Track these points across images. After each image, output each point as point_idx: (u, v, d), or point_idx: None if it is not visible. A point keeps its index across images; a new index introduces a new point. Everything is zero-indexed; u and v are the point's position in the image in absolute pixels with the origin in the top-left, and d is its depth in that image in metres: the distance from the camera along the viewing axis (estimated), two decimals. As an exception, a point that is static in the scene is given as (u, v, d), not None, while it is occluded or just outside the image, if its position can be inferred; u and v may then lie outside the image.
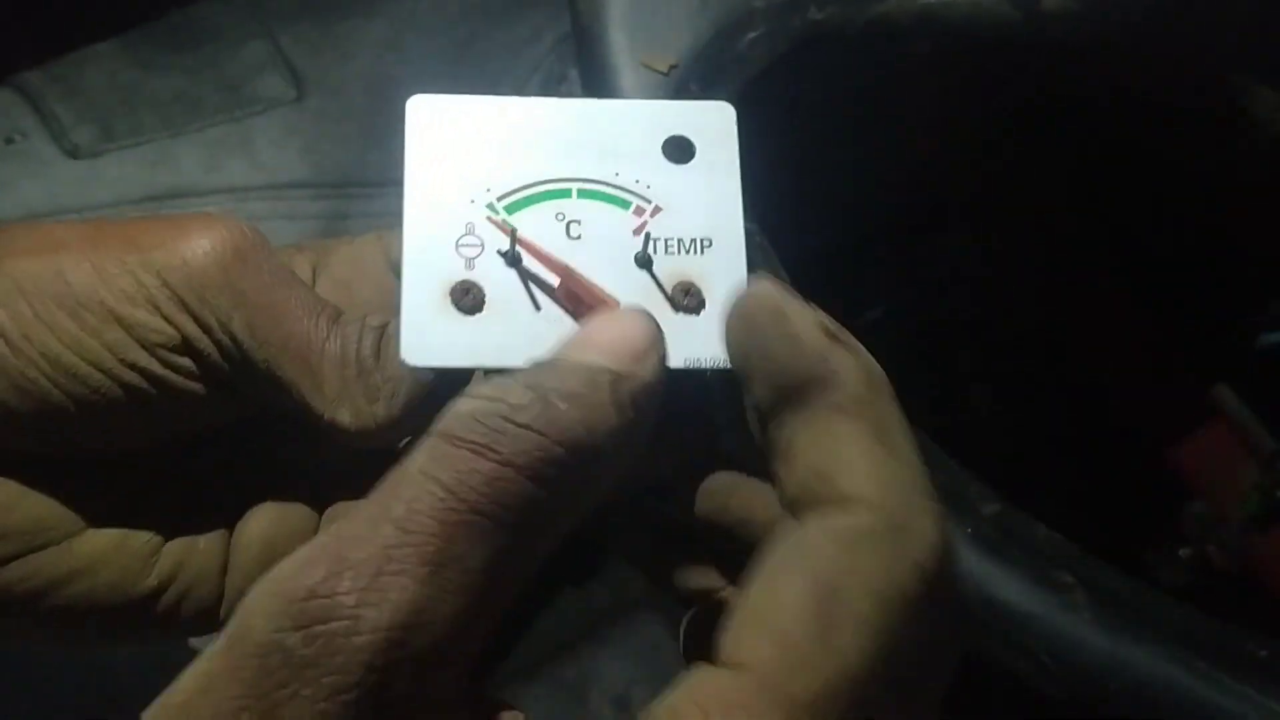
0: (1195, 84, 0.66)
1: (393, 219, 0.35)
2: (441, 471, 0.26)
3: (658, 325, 0.30)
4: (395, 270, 0.36)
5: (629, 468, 0.29)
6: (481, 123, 0.34)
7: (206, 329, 0.33)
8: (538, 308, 0.33)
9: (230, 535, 0.36)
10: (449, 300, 0.32)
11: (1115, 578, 0.47)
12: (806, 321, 0.29)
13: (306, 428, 0.33)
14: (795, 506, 0.28)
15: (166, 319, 0.33)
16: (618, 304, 0.32)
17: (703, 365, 0.33)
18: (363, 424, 0.33)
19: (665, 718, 0.25)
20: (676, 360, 0.31)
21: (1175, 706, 0.44)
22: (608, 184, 0.34)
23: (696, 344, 0.33)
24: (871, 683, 0.25)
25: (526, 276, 0.33)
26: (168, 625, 0.35)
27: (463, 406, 0.27)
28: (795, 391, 0.29)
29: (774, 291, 0.30)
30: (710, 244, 0.34)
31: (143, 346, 0.33)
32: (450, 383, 0.32)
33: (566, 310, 0.33)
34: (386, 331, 0.33)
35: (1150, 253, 0.85)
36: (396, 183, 0.33)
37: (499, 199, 0.33)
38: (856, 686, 0.25)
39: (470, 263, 0.33)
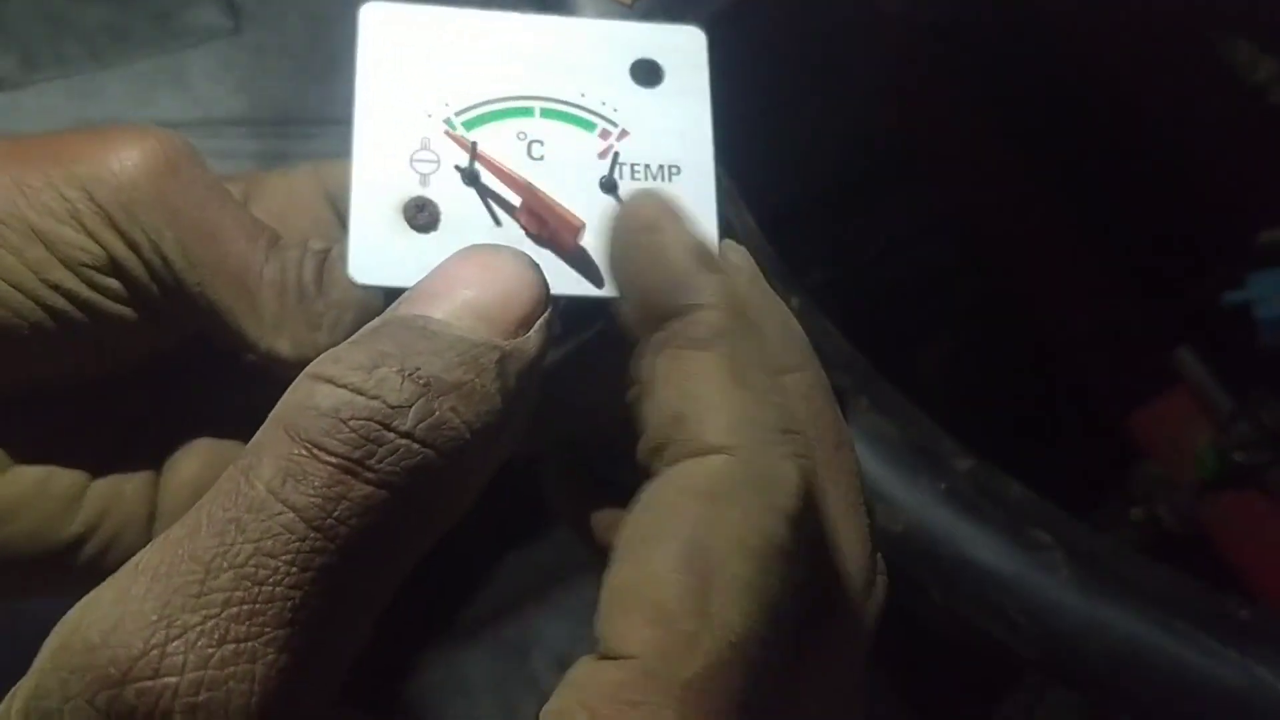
0: (1172, 32, 0.64)
1: (335, 159, 0.33)
2: (299, 496, 0.22)
3: (544, 278, 0.27)
4: (333, 203, 0.34)
5: (508, 447, 0.26)
6: (441, 34, 0.32)
7: (135, 248, 0.30)
8: (498, 223, 0.31)
9: (159, 477, 0.33)
10: (401, 217, 0.30)
11: (1093, 537, 0.46)
12: (678, 242, 0.27)
13: (242, 358, 0.31)
14: (655, 456, 0.26)
15: (92, 236, 0.30)
16: (583, 224, 0.30)
17: None
18: (302, 353, 0.30)
19: None
20: None
21: (1155, 669, 0.43)
22: (572, 104, 0.32)
23: None
24: (757, 643, 0.24)
25: (485, 194, 0.31)
26: (89, 578, 0.32)
27: (324, 400, 0.23)
28: (658, 321, 0.27)
29: (653, 205, 0.28)
30: (679, 171, 0.32)
31: (67, 266, 0.30)
32: None
33: (527, 231, 0.31)
34: (330, 256, 0.31)
35: (1113, 212, 0.84)
36: (339, 121, 0.31)
37: (457, 114, 0.31)
38: (743, 651, 0.24)
39: (425, 179, 0.31)
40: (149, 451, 0.34)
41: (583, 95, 0.32)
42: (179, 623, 0.20)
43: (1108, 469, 0.88)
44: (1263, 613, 0.44)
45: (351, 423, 0.22)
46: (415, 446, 0.23)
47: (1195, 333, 0.82)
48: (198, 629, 0.20)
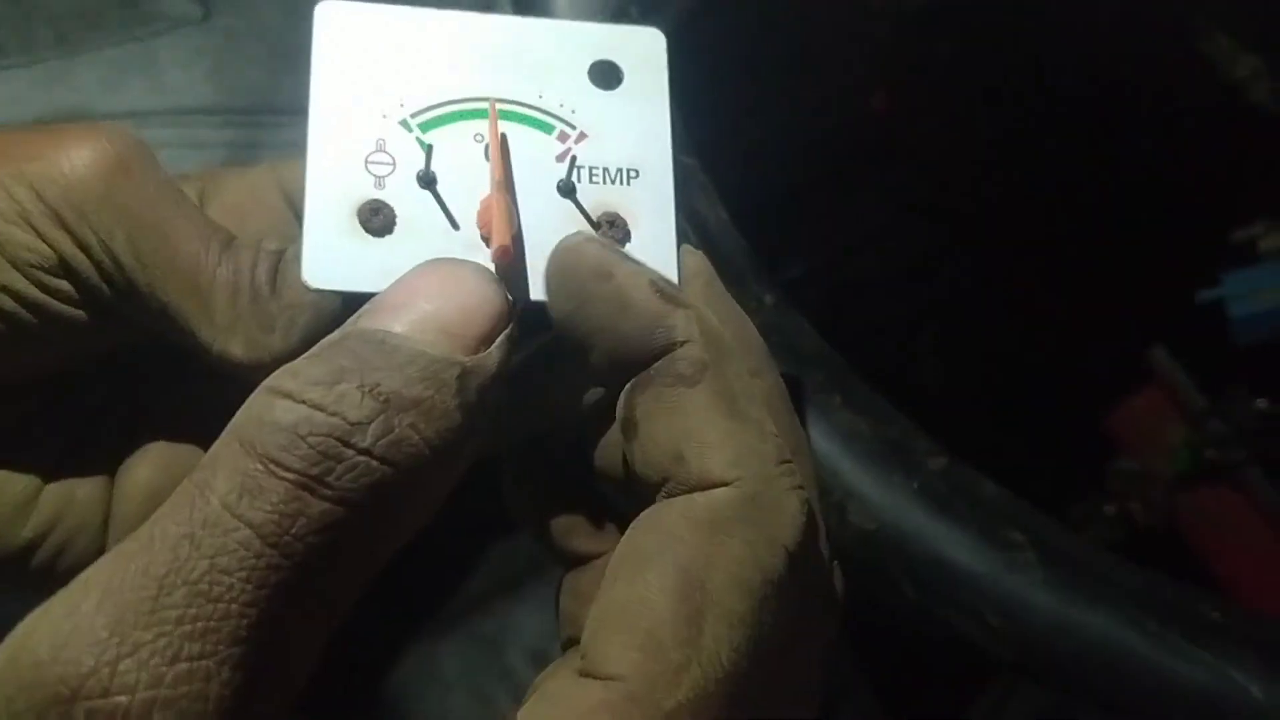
0: (1152, 28, 0.64)
1: (293, 159, 0.32)
2: (255, 512, 0.21)
3: (505, 292, 0.27)
4: (291, 202, 0.33)
5: (471, 457, 0.26)
6: (397, 34, 0.31)
7: (86, 248, 0.29)
8: (455, 227, 0.30)
9: (113, 482, 0.33)
10: (356, 220, 0.29)
11: (1067, 537, 0.46)
12: (636, 285, 0.27)
13: (197, 360, 0.30)
14: (652, 488, 0.26)
15: (41, 237, 0.29)
16: (506, 246, 0.29)
17: None
18: (256, 356, 0.29)
19: None
20: None
21: (1128, 670, 0.43)
22: (530, 106, 0.32)
23: None
24: (743, 677, 0.24)
25: (441, 199, 0.30)
26: (43, 583, 0.32)
27: (283, 415, 0.22)
28: (636, 364, 0.26)
29: (595, 249, 0.27)
30: (637, 175, 0.31)
31: (15, 267, 0.30)
32: (354, 311, 0.29)
33: (485, 236, 0.30)
34: (285, 257, 0.30)
35: (1089, 208, 0.84)
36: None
37: (413, 115, 0.31)
38: (728, 684, 0.23)
39: (380, 181, 0.30)
40: (103, 455, 0.33)
41: (540, 96, 0.32)
42: (131, 640, 0.20)
43: (1082, 465, 0.88)
44: (1236, 614, 0.44)
45: (310, 439, 0.22)
46: (374, 464, 0.22)
47: (1170, 330, 0.82)
48: (149, 646, 0.20)
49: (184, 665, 0.20)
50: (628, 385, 0.27)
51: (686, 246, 0.31)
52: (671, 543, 0.24)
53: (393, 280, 0.28)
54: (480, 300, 0.25)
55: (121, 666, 0.20)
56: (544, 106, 0.31)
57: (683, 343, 0.26)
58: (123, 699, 0.19)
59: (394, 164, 0.30)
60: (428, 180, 0.30)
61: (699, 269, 0.30)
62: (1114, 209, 0.82)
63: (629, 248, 0.31)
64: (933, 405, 0.51)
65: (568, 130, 0.31)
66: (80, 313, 0.30)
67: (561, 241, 0.29)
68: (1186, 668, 0.43)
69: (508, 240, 0.28)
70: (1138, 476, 0.85)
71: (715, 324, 0.27)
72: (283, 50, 0.75)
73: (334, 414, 0.22)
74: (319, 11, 0.31)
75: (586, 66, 0.32)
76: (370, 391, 0.23)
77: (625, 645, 0.23)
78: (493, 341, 0.25)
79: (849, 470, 0.46)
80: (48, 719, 0.19)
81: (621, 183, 0.31)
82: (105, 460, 0.33)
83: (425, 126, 0.31)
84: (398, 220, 0.30)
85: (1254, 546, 0.80)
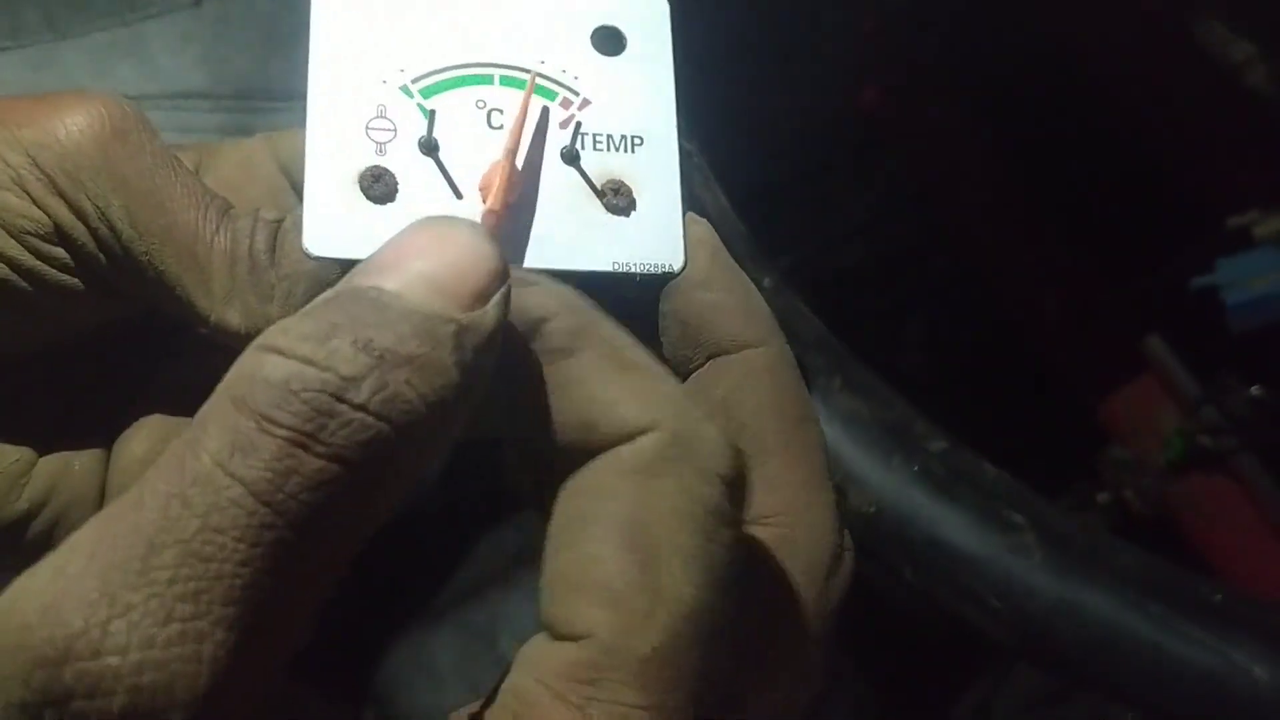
0: (1146, 14, 0.64)
1: (290, 129, 0.32)
2: (248, 470, 0.21)
3: (500, 250, 0.26)
4: (287, 173, 0.33)
5: (466, 419, 0.25)
6: (397, 1, 0.31)
7: (82, 216, 0.29)
8: (458, 196, 0.29)
9: (109, 455, 0.32)
10: (358, 187, 0.29)
11: (1066, 519, 0.46)
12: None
13: (194, 331, 0.30)
14: (573, 454, 0.25)
15: (36, 203, 0.29)
16: (495, 210, 0.28)
17: (632, 270, 0.30)
18: (254, 325, 0.28)
19: (514, 704, 0.23)
20: (604, 264, 0.29)
21: (1128, 651, 0.43)
22: (532, 71, 0.31)
23: (626, 248, 0.30)
24: (709, 611, 0.23)
25: (443, 165, 0.30)
26: (38, 556, 0.31)
27: (274, 371, 0.22)
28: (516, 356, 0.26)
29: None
30: (641, 142, 0.31)
31: (10, 234, 0.29)
32: None
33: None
34: (283, 226, 0.29)
35: (1083, 195, 0.84)
36: (303, 96, 0.30)
37: (414, 80, 0.30)
38: (697, 621, 0.23)
39: (382, 148, 0.29)
40: (98, 427, 0.32)
41: (543, 63, 0.31)
42: (121, 601, 0.19)
43: (1075, 453, 0.88)
44: (1236, 596, 0.44)
45: (303, 395, 0.21)
46: (369, 420, 0.22)
47: (1163, 317, 0.82)
48: (141, 608, 0.19)
49: (176, 626, 0.19)
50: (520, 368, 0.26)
51: (691, 215, 0.30)
52: (607, 498, 0.24)
53: None
54: (475, 258, 0.25)
55: (112, 628, 0.19)
56: (547, 73, 0.31)
57: (547, 319, 0.26)
58: (114, 660, 0.19)
59: (395, 130, 0.29)
60: (430, 147, 0.29)
61: (704, 238, 0.29)
62: (1107, 196, 0.82)
63: (634, 215, 0.30)
64: (923, 394, 0.51)
65: (571, 96, 0.31)
66: (76, 281, 0.30)
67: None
68: (1188, 649, 0.43)
69: (499, 206, 0.28)
70: (1131, 464, 0.85)
71: (570, 291, 0.27)
72: (274, 35, 0.74)
73: (326, 369, 0.22)
74: None
75: (589, 32, 0.32)
76: (364, 347, 0.22)
77: (587, 604, 0.23)
78: (489, 300, 0.24)
79: (849, 453, 0.46)
80: (34, 681, 0.19)
81: (626, 150, 0.31)
82: (100, 433, 0.32)
83: (427, 92, 0.30)
84: (399, 187, 0.29)
85: (1247, 534, 0.80)
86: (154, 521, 0.20)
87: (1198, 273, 0.74)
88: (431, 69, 0.30)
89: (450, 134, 0.30)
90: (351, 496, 0.22)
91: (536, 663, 0.23)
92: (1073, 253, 0.87)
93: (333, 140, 0.29)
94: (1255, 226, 0.70)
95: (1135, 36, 0.69)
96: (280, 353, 0.22)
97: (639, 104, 0.31)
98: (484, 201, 0.29)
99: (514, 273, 0.26)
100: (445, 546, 0.93)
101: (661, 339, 0.29)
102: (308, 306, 0.24)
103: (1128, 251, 0.84)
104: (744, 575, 0.25)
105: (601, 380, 0.25)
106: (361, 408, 0.22)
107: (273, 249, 0.29)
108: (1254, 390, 0.79)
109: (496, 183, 0.28)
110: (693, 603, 0.23)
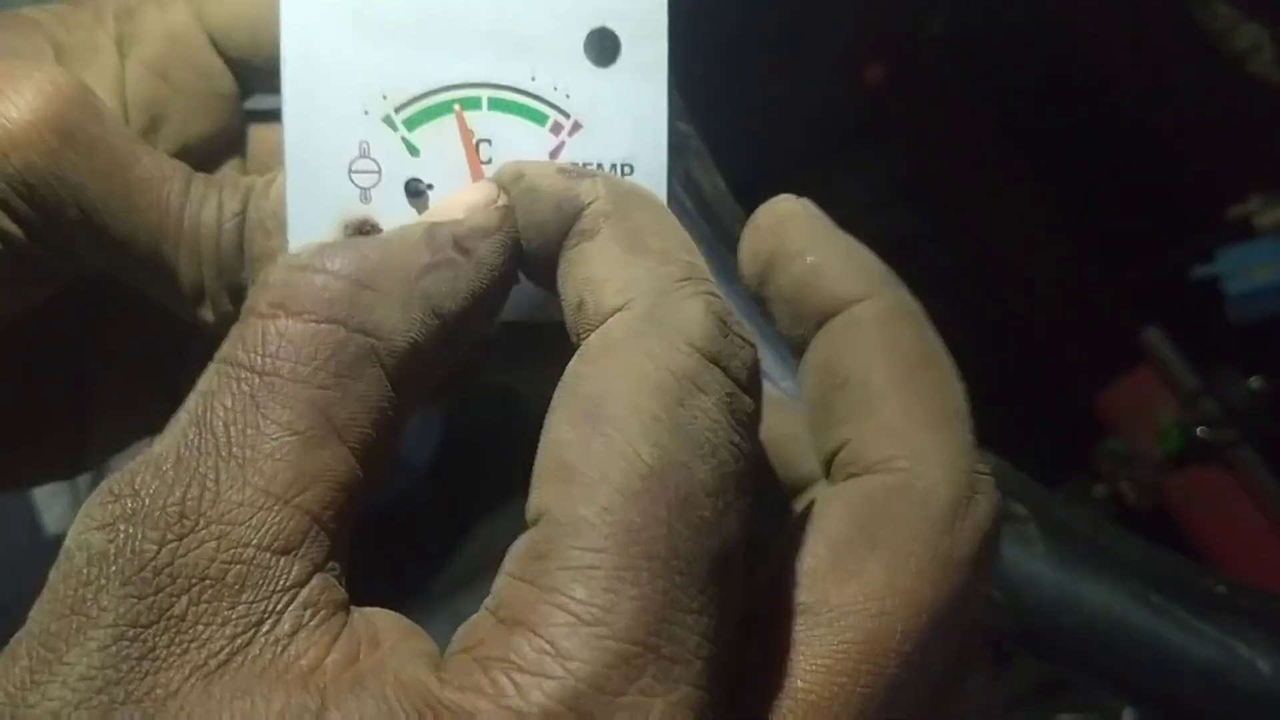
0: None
1: None
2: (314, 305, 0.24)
3: (500, 191, 0.27)
4: (217, 45, 0.32)
5: (485, 323, 0.27)
6: (375, 15, 0.28)
7: (41, 216, 0.28)
8: None
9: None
10: (342, 237, 0.28)
11: (1069, 510, 0.45)
12: (544, 171, 0.27)
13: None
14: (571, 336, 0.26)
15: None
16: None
17: None
18: (227, 320, 0.28)
19: (490, 603, 0.23)
20: None
21: (1131, 643, 0.42)
22: (523, 91, 0.29)
23: None
24: (679, 469, 0.23)
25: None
26: None
27: (287, 260, 0.25)
28: (555, 241, 0.27)
29: (513, 163, 0.28)
30: (632, 170, 0.30)
31: None
32: None
33: None
34: (247, 218, 0.29)
35: (1082, 183, 0.84)
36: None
37: (397, 110, 0.29)
38: (660, 477, 0.23)
39: (366, 194, 0.29)
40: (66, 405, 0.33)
41: (534, 79, 0.29)
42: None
43: (1072, 445, 0.87)
44: (1239, 587, 0.44)
45: (292, 275, 0.25)
46: (333, 279, 0.25)
47: (1163, 307, 0.82)
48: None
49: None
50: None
51: (785, 196, 0.29)
52: (571, 380, 0.24)
53: None
54: (469, 189, 0.27)
55: None
56: (537, 91, 0.29)
57: (589, 203, 0.27)
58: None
59: (380, 172, 0.28)
60: (416, 193, 0.29)
61: (794, 210, 0.29)
62: (1108, 183, 0.81)
63: None
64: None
65: (562, 119, 0.29)
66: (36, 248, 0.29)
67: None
68: (1192, 641, 0.42)
69: None
70: (1128, 457, 0.85)
71: (625, 185, 0.28)
72: None
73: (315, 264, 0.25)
74: (282, 4, 0.28)
75: (583, 37, 0.30)
76: (343, 249, 0.25)
77: (547, 482, 0.23)
78: (479, 210, 0.27)
79: (848, 442, 0.46)
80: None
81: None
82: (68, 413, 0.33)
83: (411, 123, 0.29)
84: (385, 230, 0.28)
85: (1244, 527, 0.80)
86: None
87: (1197, 263, 0.74)
88: (415, 93, 0.29)
89: (437, 169, 0.29)
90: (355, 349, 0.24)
91: (508, 558, 0.23)
92: (1071, 242, 0.86)
93: (314, 188, 0.28)
94: (1257, 216, 0.69)
95: (1136, 23, 0.68)
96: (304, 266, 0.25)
97: (631, 124, 0.30)
98: None
99: (581, 170, 0.28)
100: (438, 537, 0.93)
101: (777, 329, 0.29)
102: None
103: (1127, 241, 0.83)
104: (715, 435, 0.24)
105: (600, 261, 0.26)
106: (327, 271, 0.25)
107: (239, 248, 0.29)
108: (1253, 382, 0.78)
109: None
110: (651, 461, 0.23)
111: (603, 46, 0.30)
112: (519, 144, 0.29)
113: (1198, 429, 0.80)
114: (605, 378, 0.24)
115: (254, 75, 0.33)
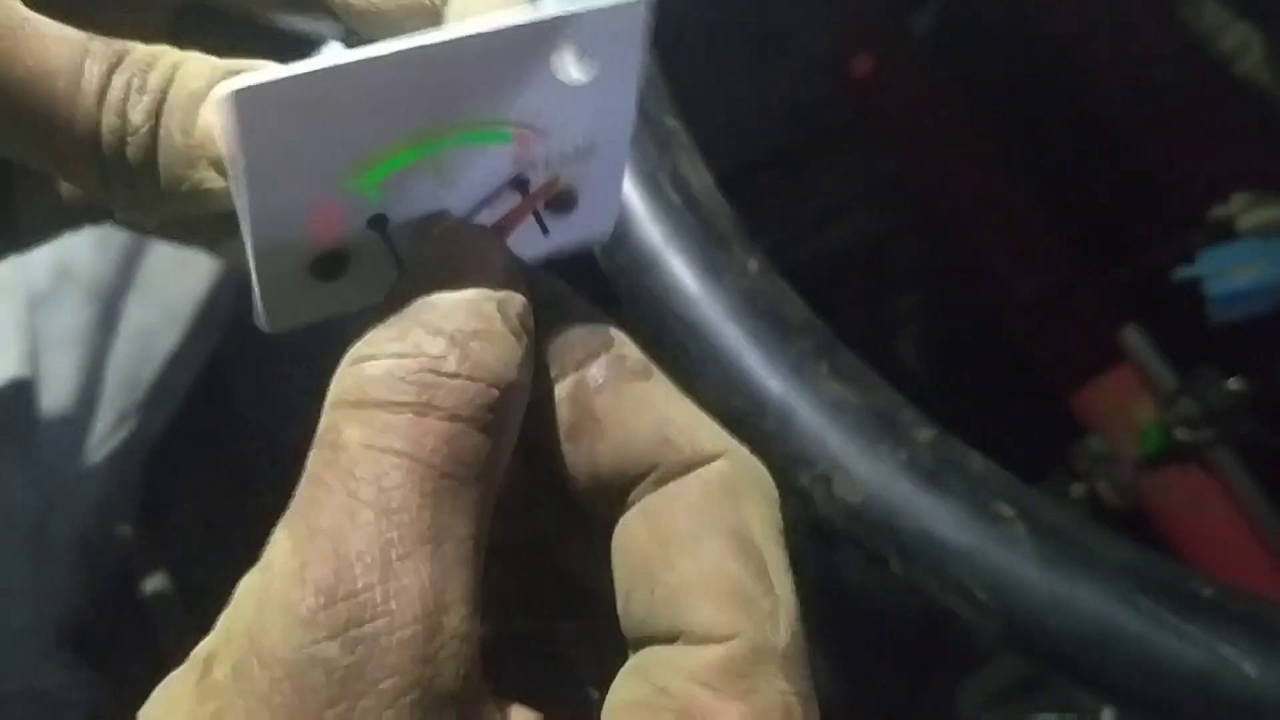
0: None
1: None
2: (395, 440, 0.24)
3: (492, 233, 0.28)
4: None
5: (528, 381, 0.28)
6: (324, 100, 0.26)
7: None
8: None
9: None
10: (308, 273, 0.28)
11: (1056, 511, 0.45)
12: (565, 290, 0.29)
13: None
14: (630, 480, 0.27)
15: None
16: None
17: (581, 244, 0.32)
18: (136, 226, 0.30)
19: (672, 703, 0.24)
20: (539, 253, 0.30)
21: (1118, 645, 0.42)
22: (485, 121, 0.28)
23: (562, 238, 0.31)
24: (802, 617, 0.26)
25: (390, 241, 0.28)
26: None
27: (373, 369, 0.25)
28: (577, 363, 0.28)
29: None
30: (593, 149, 0.30)
31: None
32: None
33: None
34: (163, 117, 0.27)
35: (1063, 183, 0.84)
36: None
37: (357, 176, 0.27)
38: (802, 624, 0.26)
39: (331, 239, 0.28)
40: None
41: (497, 109, 0.28)
42: (348, 553, 0.23)
43: (1049, 444, 0.87)
44: (1226, 590, 0.44)
45: (408, 378, 0.25)
46: (467, 383, 0.25)
47: (1144, 307, 0.81)
48: (366, 554, 0.23)
49: (396, 564, 0.23)
50: (566, 391, 0.28)
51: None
52: (712, 512, 0.26)
53: (350, 304, 0.29)
54: (476, 239, 0.27)
55: (354, 568, 0.23)
56: (505, 118, 0.28)
57: (620, 342, 0.28)
58: (369, 593, 0.23)
59: (343, 218, 0.28)
60: (379, 222, 0.28)
61: None
62: (1089, 183, 0.81)
63: (573, 214, 0.30)
64: (894, 382, 0.49)
65: (526, 132, 0.28)
66: None
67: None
68: (1178, 644, 0.42)
69: None
70: (1105, 457, 0.85)
71: (561, 282, 0.29)
72: None
73: (418, 354, 0.25)
74: (226, 103, 0.25)
75: (553, 62, 0.27)
76: (436, 333, 0.25)
77: (720, 610, 0.25)
78: (513, 275, 0.27)
79: (835, 441, 0.45)
80: (319, 621, 0.23)
81: (577, 159, 0.29)
82: None
83: (370, 181, 0.27)
84: (350, 260, 0.28)
85: (1222, 529, 0.80)
86: (340, 502, 0.24)
87: (1178, 263, 0.74)
88: (371, 154, 0.27)
89: (400, 205, 0.28)
90: (476, 449, 0.25)
91: (680, 666, 0.25)
92: (1053, 241, 0.86)
93: (279, 245, 0.27)
94: (1239, 216, 0.69)
95: (1120, 23, 0.68)
96: (372, 358, 0.25)
97: (596, 118, 0.29)
98: None
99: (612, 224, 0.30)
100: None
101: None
102: (376, 328, 0.26)
103: (1107, 240, 0.83)
104: None
105: (676, 406, 0.28)
106: (456, 375, 0.25)
107: (151, 168, 0.28)
108: (1232, 383, 0.78)
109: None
110: (798, 606, 0.26)
111: (576, 66, 0.28)
112: (483, 163, 0.28)
113: (1176, 430, 0.80)
114: (743, 520, 0.26)
115: None
